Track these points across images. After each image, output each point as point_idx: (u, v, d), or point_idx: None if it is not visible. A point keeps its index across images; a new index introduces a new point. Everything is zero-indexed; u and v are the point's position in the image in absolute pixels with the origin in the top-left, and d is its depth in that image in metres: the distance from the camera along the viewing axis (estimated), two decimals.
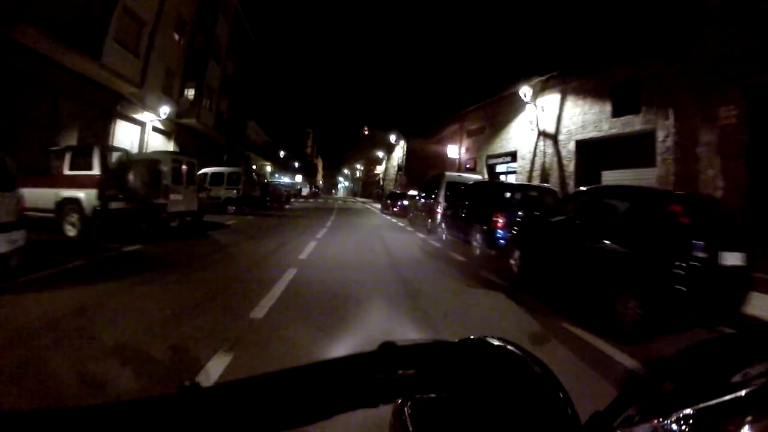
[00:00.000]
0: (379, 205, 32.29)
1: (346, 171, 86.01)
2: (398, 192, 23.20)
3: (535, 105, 16.08)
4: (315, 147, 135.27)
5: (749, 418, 0.31)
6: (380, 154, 42.77)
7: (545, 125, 15.73)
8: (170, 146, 22.18)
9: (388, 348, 0.39)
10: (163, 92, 20.98)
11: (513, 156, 17.10)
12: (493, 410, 0.42)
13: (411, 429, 0.52)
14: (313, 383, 0.35)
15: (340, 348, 3.19)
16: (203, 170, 17.78)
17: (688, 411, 0.34)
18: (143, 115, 19.43)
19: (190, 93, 23.25)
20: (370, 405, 0.36)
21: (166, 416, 0.30)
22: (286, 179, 46.63)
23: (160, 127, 20.88)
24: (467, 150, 20.73)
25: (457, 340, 0.47)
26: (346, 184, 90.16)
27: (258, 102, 44.96)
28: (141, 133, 19.88)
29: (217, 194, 16.31)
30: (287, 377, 0.35)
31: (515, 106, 17.19)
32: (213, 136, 26.21)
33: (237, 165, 35.59)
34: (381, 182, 44.54)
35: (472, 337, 0.50)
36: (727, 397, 0.34)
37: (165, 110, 19.91)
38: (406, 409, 0.54)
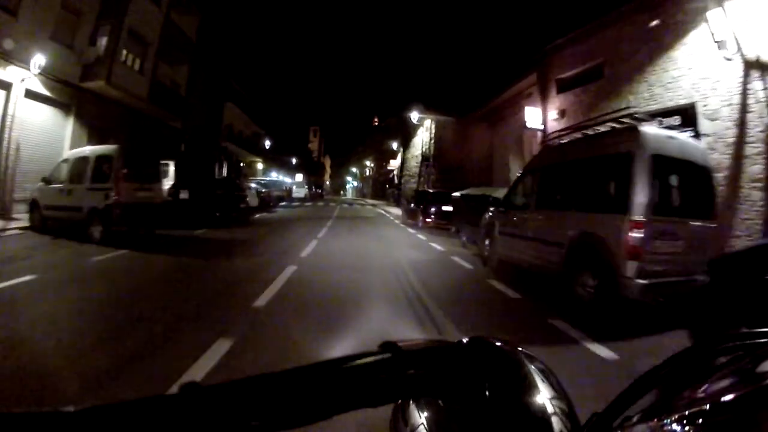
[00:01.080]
0: (396, 210, 23.79)
1: (354, 169, 77.55)
2: (431, 191, 14.54)
3: (722, 7, 7.63)
4: (322, 144, 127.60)
5: (749, 418, 0.31)
6: (395, 144, 34.24)
7: (758, 49, 7.22)
8: (68, 124, 13.99)
9: (388, 348, 0.39)
10: (54, 39, 12.81)
11: (684, 115, 8.38)
12: (493, 410, 0.42)
13: (411, 429, 0.50)
14: (313, 383, 0.35)
15: None
16: (67, 155, 9.40)
17: (688, 411, 0.34)
18: (8, 72, 11.33)
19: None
20: (371, 405, 0.36)
21: (166, 416, 0.30)
22: (285, 179, 38.30)
23: (45, 92, 12.69)
24: (561, 113, 11.99)
25: (457, 341, 0.46)
26: (355, 183, 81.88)
27: (245, 85, 36.79)
28: (5, 100, 11.72)
29: (78, 201, 7.91)
30: (287, 377, 0.34)
31: (676, 15, 8.58)
32: (154, 115, 17.89)
33: (208, 158, 27.51)
34: (396, 179, 36.03)
35: (472, 337, 0.49)
36: (727, 398, 0.34)
37: (39, 61, 11.67)
38: (406, 409, 0.53)
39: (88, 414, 0.28)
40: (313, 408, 0.33)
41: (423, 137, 21.52)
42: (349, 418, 0.37)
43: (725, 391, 0.35)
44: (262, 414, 0.31)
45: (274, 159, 43.39)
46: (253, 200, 15.96)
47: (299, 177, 48.24)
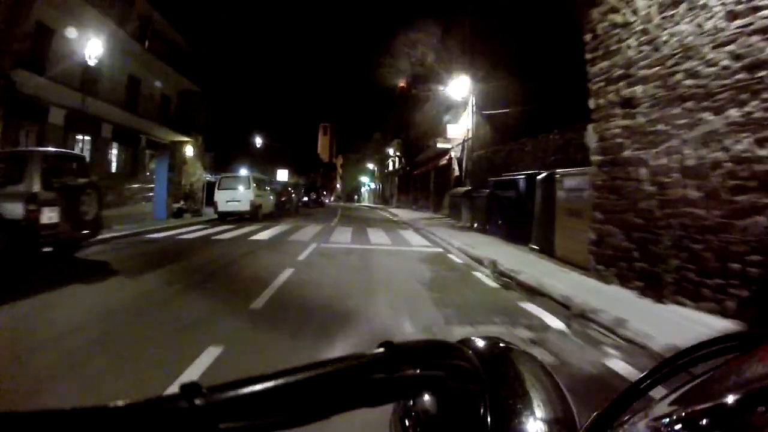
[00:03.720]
0: (559, 286, 5.35)
1: (371, 166, 59.07)
2: None
3: None
4: (334, 144, 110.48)
5: (749, 419, 0.31)
6: (460, 94, 15.84)
7: None
8: None
9: (387, 348, 0.39)
10: None
11: None
12: (493, 410, 0.42)
13: (410, 429, 0.51)
14: (312, 383, 0.35)
15: None
16: None
17: (688, 411, 0.34)
18: None
19: None
20: (369, 405, 0.36)
21: (165, 416, 0.30)
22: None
23: None
24: None
25: (457, 340, 0.46)
26: (372, 185, 63.46)
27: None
28: None
29: None
30: (287, 377, 0.35)
31: None
32: None
33: None
34: (459, 167, 17.43)
35: (472, 336, 0.50)
36: (727, 398, 0.34)
37: None
38: (405, 409, 0.53)
39: (85, 414, 0.28)
40: (311, 408, 0.33)
41: None
42: (349, 418, 0.37)
43: (726, 391, 0.34)
44: (261, 414, 0.31)
45: (245, 148, 25.09)
46: None
47: (282, 174, 30.36)
